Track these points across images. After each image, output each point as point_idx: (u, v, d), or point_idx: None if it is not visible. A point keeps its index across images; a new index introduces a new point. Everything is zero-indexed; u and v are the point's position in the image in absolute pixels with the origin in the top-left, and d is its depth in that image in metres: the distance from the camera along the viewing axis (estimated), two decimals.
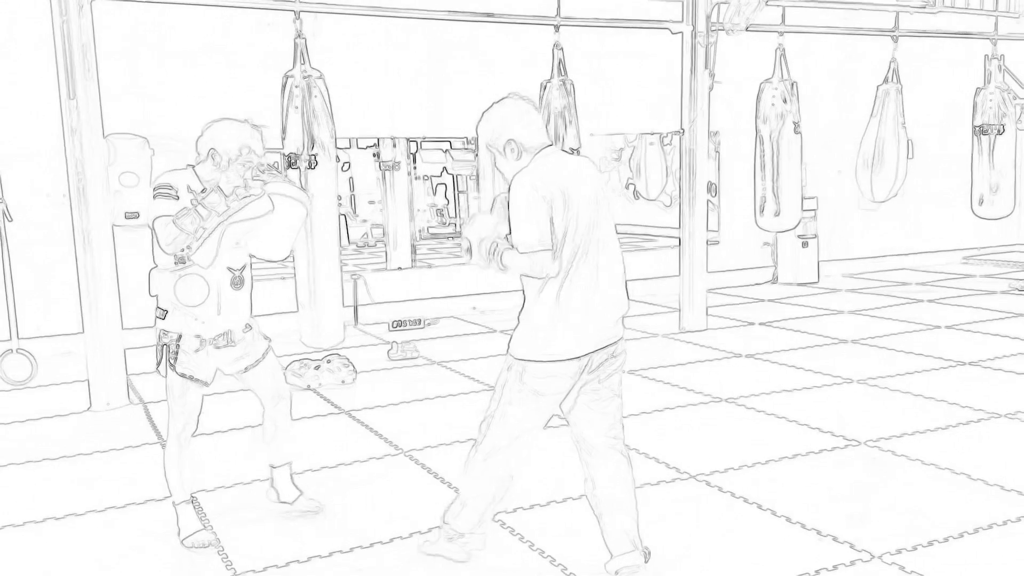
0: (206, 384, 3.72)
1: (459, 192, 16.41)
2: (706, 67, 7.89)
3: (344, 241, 14.60)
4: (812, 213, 10.70)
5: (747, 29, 7.73)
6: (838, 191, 11.11)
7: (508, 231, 3.21)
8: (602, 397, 3.30)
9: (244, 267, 3.73)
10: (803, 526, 3.79)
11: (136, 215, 7.34)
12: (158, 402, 6.15)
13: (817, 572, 3.39)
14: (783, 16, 8.68)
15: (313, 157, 6.33)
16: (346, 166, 14.93)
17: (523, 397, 3.22)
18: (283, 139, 6.42)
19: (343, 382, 6.47)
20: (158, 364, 3.69)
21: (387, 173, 13.20)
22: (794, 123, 8.45)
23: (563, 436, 3.74)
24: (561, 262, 3.13)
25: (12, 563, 3.71)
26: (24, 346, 6.57)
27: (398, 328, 7.47)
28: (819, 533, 3.72)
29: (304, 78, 6.44)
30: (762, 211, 8.64)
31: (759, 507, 4.01)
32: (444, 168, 15.82)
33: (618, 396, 3.35)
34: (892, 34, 9.09)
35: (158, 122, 7.20)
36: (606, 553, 3.36)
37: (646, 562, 3.35)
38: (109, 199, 6.08)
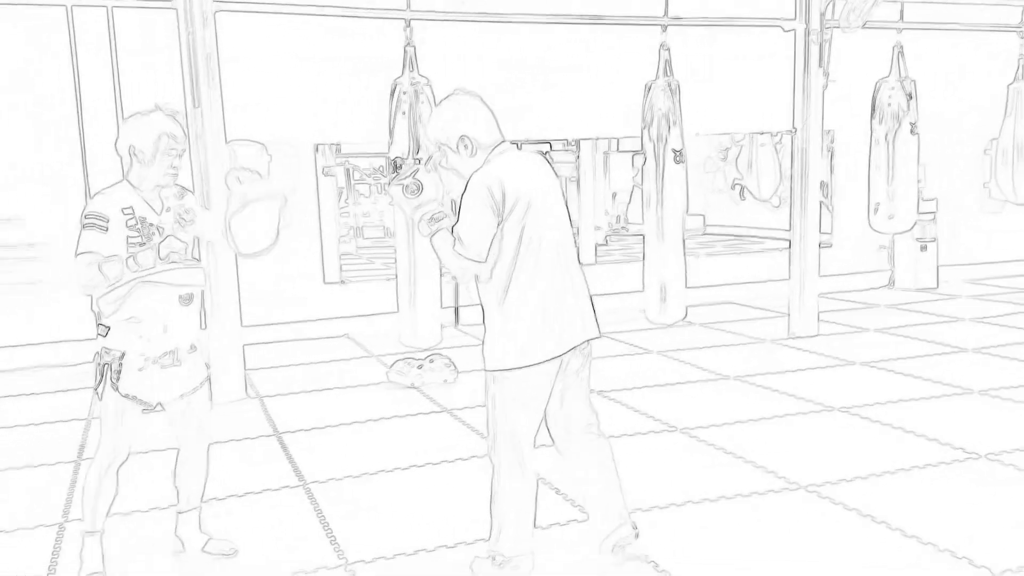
0: (150, 408, 3.43)
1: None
2: (820, 65, 7.69)
3: None
4: (931, 216, 10.26)
5: (863, 26, 7.49)
6: (960, 193, 10.63)
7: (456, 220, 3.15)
8: (580, 394, 3.33)
9: None
10: (919, 540, 3.66)
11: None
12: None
13: None
14: (901, 13, 8.38)
15: (418, 161, 6.48)
16: None
17: (513, 407, 3.18)
18: (390, 144, 6.58)
19: (445, 381, 6.57)
20: (97, 385, 3.38)
21: None
22: (911, 123, 8.15)
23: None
24: (516, 264, 3.08)
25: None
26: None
27: None
28: (936, 547, 3.58)
29: (412, 84, 6.58)
30: (876, 213, 8.36)
31: (873, 520, 3.88)
32: None
33: (588, 385, 3.37)
34: (1018, 30, 8.66)
35: (275, 128, 7.48)
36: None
37: (637, 537, 3.41)
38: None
